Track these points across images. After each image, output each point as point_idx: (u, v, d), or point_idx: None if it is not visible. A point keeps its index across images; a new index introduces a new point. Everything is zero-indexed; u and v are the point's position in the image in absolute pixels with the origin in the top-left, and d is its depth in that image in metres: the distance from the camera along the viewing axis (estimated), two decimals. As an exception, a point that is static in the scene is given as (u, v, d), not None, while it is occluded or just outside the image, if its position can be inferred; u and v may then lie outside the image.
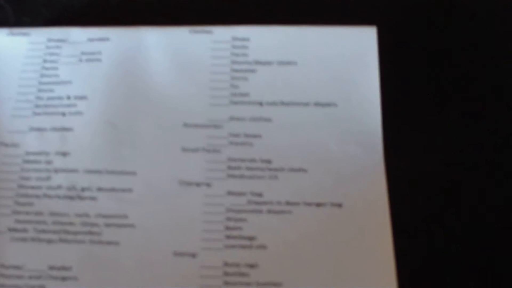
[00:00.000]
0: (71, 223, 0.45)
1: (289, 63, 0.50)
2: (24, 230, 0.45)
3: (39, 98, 0.49)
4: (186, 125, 0.48)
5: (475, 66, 0.51)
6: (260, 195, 0.46)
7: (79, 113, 0.49)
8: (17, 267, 0.44)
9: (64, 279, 0.44)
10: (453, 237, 0.46)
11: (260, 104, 0.48)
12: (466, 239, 0.45)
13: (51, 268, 0.44)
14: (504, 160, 0.48)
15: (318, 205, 0.45)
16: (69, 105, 0.49)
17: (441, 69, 0.51)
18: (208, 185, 0.46)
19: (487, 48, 0.52)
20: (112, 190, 0.46)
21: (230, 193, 0.46)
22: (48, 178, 0.47)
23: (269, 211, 0.45)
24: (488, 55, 0.52)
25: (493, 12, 0.54)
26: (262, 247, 0.44)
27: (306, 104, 0.48)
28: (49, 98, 0.49)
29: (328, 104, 0.48)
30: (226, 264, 0.44)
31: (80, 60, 0.51)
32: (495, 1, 0.54)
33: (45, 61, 0.51)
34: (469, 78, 0.51)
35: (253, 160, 0.47)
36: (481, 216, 0.46)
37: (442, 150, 0.48)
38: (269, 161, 0.47)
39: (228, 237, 0.44)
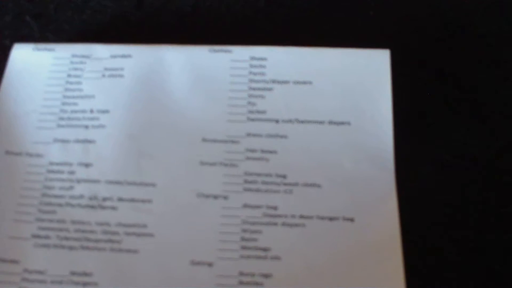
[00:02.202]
0: (92, 231, 0.47)
1: (304, 82, 0.51)
2: (47, 237, 0.46)
3: (63, 111, 0.51)
4: (204, 140, 0.49)
5: (486, 86, 0.53)
6: (275, 208, 0.47)
7: (101, 126, 0.50)
8: (40, 272, 0.45)
9: (85, 284, 0.45)
10: (464, 253, 0.47)
11: (276, 121, 0.50)
12: (476, 255, 0.47)
13: (73, 273, 0.45)
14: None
15: (331, 219, 0.46)
16: (92, 118, 0.50)
17: (452, 90, 0.52)
18: (225, 197, 0.47)
19: (499, 68, 0.53)
20: (132, 200, 0.48)
21: (246, 206, 0.47)
22: (70, 188, 0.48)
23: (284, 224, 0.46)
24: (500, 75, 0.53)
25: (504, 33, 0.55)
26: (277, 258, 0.45)
27: (320, 123, 0.50)
28: (73, 111, 0.51)
29: (342, 123, 0.50)
30: (241, 273, 0.45)
31: (103, 76, 0.52)
32: (506, 22, 0.55)
33: (69, 75, 0.52)
34: (481, 97, 0.52)
35: (269, 175, 0.48)
36: (492, 231, 0.47)
37: (453, 168, 0.49)
38: (284, 176, 0.48)
39: (243, 247, 0.46)
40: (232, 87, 0.51)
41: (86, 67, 0.53)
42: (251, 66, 0.52)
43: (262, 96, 0.51)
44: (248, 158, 0.49)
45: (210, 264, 0.45)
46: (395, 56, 0.51)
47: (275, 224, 0.46)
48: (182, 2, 0.57)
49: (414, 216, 0.47)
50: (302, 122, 0.50)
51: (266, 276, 0.45)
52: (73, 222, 0.47)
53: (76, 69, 0.53)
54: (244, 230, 0.46)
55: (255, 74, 0.52)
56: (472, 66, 0.54)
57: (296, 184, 0.48)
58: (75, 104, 0.51)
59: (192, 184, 0.48)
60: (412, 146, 0.50)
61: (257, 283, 0.45)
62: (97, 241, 0.46)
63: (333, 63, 0.52)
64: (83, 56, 0.53)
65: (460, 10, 0.56)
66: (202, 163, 0.49)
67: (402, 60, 0.52)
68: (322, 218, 0.46)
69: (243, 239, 0.46)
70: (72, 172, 0.49)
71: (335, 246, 0.46)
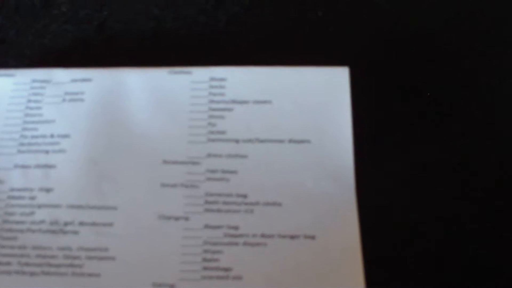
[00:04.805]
0: (53, 256, 0.46)
1: (264, 102, 0.51)
2: (8, 263, 0.46)
3: (23, 136, 0.51)
4: (165, 161, 0.49)
5: (448, 100, 0.53)
6: (236, 228, 0.47)
7: (62, 150, 0.50)
8: (1, 299, 0.45)
9: (46, 310, 0.45)
10: (426, 268, 0.47)
11: (237, 141, 0.50)
12: (439, 269, 0.47)
13: None
14: (476, 194, 0.49)
15: (292, 237, 0.46)
16: (52, 143, 0.50)
17: (412, 105, 0.53)
18: (186, 219, 0.47)
19: (461, 81, 0.54)
20: (94, 224, 0.47)
21: (207, 226, 0.47)
22: (31, 213, 0.48)
23: (245, 243, 0.46)
24: (458, 92, 0.53)
25: (466, 45, 0.56)
26: (238, 278, 0.45)
27: (281, 141, 0.50)
28: (33, 137, 0.51)
29: (302, 141, 0.50)
30: None
31: (64, 100, 0.52)
32: (467, 34, 0.56)
33: (29, 101, 0.52)
34: (443, 112, 0.52)
35: (229, 195, 0.48)
36: (455, 246, 0.48)
37: (412, 185, 0.50)
38: (245, 196, 0.48)
39: (205, 268, 0.46)
40: (192, 108, 0.51)
41: (47, 92, 0.52)
42: (211, 87, 0.52)
43: (222, 117, 0.51)
44: (208, 179, 0.49)
45: (172, 286, 0.45)
46: (354, 73, 0.52)
47: (236, 244, 0.46)
48: (142, 25, 0.57)
49: (375, 233, 0.47)
50: (262, 141, 0.50)
51: (228, 296, 0.45)
52: (34, 247, 0.47)
53: (36, 94, 0.52)
54: (206, 251, 0.46)
55: (215, 94, 0.52)
56: (434, 80, 0.54)
57: (257, 204, 0.48)
58: (35, 129, 0.51)
59: (153, 206, 0.48)
60: (372, 162, 0.50)
61: (219, 304, 0.45)
62: (58, 266, 0.46)
63: (292, 82, 0.52)
64: (43, 81, 0.53)
65: (420, 24, 0.57)
66: (163, 185, 0.49)
67: (361, 76, 0.52)
68: (283, 236, 0.47)
69: (204, 259, 0.46)
70: (33, 198, 0.48)
71: (297, 264, 0.46)
